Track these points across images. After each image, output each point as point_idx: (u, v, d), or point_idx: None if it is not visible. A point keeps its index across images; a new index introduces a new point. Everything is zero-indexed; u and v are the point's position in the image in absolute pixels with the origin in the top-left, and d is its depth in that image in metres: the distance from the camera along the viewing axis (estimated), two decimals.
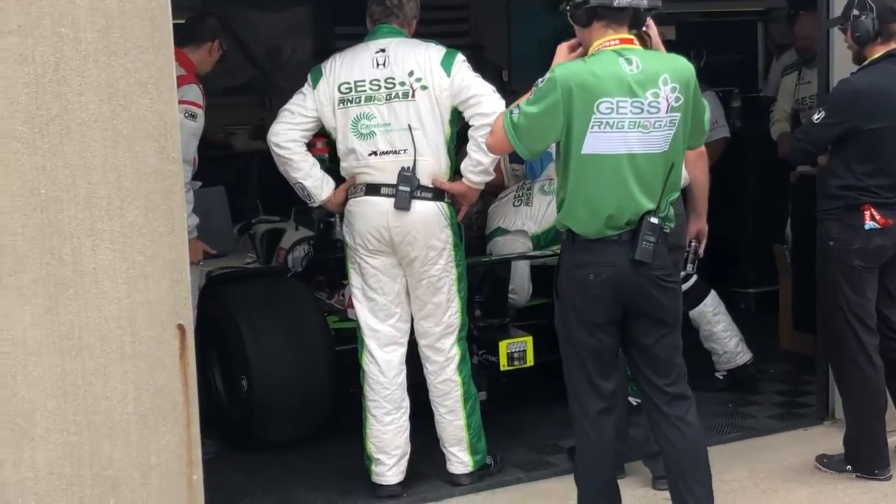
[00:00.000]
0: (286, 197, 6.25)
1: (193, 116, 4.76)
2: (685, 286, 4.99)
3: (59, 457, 3.53)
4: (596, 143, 3.73)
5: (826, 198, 4.78)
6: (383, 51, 4.55)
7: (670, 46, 4.02)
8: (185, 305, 3.74)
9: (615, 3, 3.75)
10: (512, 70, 9.75)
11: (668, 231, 3.85)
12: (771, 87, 7.44)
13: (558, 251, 5.34)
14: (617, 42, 3.77)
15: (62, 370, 3.52)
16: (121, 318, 3.58)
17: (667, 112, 3.73)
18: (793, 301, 6.52)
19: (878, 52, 4.64)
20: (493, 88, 4.51)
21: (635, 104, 3.71)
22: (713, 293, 5.87)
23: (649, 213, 3.77)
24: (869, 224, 4.61)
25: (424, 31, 4.81)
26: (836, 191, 4.68)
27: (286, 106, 4.61)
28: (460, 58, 4.55)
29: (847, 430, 4.83)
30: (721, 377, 5.95)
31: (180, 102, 4.15)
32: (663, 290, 3.84)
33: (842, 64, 5.01)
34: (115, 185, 3.55)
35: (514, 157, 6.23)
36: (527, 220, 5.74)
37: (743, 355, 5.93)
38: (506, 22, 9.84)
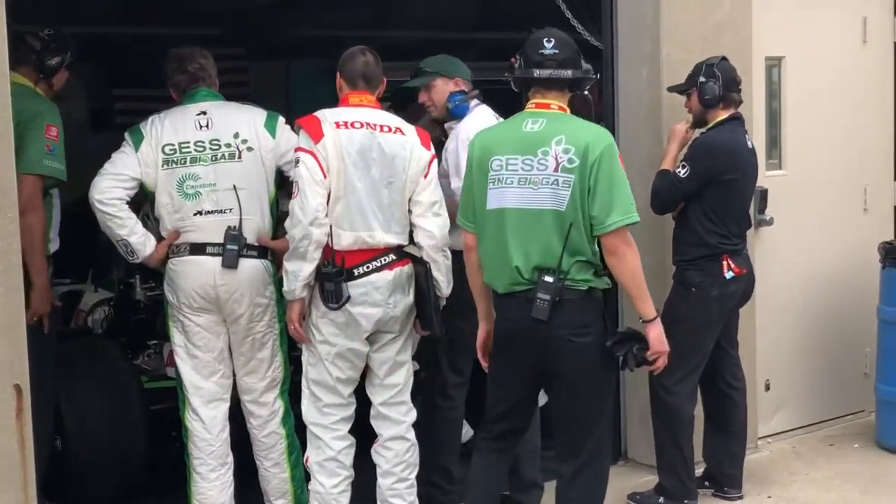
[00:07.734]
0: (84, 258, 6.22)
1: None
2: None
3: None
4: (492, 198, 3.92)
5: (687, 246, 5.10)
6: (204, 113, 4.65)
7: None
8: (22, 366, 3.68)
9: (535, 75, 3.96)
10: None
11: (577, 288, 3.82)
12: None
13: None
14: (533, 106, 3.98)
15: None
16: None
17: (555, 171, 3.82)
18: None
19: (721, 115, 5.15)
20: None
21: (527, 161, 3.87)
22: None
23: (544, 270, 3.82)
24: (728, 274, 5.04)
25: None
26: (702, 238, 5.04)
27: (108, 166, 4.58)
28: (282, 120, 4.72)
29: (660, 462, 5.14)
30: None
31: None
32: (563, 349, 3.84)
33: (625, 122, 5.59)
34: None
35: None
36: None
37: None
38: (284, 84, 10.11)
